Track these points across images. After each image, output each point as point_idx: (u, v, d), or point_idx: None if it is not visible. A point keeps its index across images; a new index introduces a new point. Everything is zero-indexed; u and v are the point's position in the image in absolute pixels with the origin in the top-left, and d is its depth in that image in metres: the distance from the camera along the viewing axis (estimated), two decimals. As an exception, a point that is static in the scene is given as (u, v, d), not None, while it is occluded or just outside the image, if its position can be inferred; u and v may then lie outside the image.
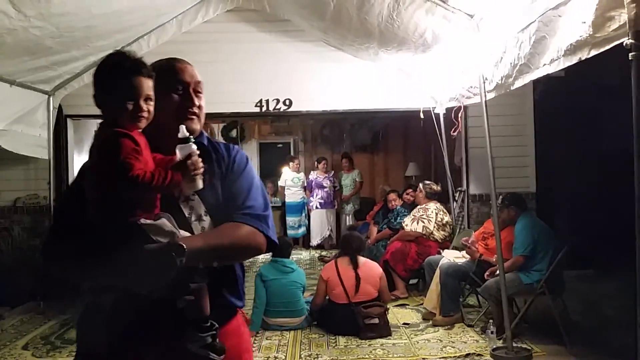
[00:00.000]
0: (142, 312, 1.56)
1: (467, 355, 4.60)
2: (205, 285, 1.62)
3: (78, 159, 8.10)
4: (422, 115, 6.82)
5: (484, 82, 4.39)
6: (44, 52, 5.61)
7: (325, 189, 10.06)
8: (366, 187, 10.76)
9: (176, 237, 1.56)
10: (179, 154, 1.60)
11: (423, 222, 6.57)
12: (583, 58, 2.82)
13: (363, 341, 5.01)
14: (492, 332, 4.91)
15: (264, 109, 7.10)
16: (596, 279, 6.43)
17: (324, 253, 9.68)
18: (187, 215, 1.69)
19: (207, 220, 1.70)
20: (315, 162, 10.44)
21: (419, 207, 6.79)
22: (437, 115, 6.78)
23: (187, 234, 1.63)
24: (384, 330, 5.15)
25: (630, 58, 2.39)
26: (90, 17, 5.39)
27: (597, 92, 6.36)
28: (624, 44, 2.41)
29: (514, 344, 4.54)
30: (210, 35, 7.03)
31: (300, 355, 4.76)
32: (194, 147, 1.61)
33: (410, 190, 7.66)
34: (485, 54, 4.24)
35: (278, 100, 7.09)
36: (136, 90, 1.59)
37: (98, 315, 1.62)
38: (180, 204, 1.69)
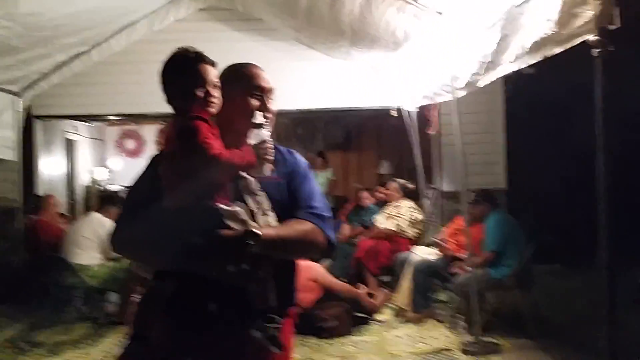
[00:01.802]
0: (210, 297, 1.63)
1: (438, 350, 4.63)
2: (271, 278, 1.67)
3: (46, 160, 7.96)
4: (394, 114, 6.86)
5: (455, 80, 4.42)
6: (11, 51, 5.51)
7: (299, 188, 10.01)
8: (340, 185, 10.76)
9: (250, 225, 1.61)
10: (252, 139, 1.72)
11: (396, 219, 6.60)
12: (547, 55, 2.86)
13: (335, 339, 4.99)
14: (462, 327, 4.97)
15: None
16: (565, 274, 6.53)
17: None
18: (252, 209, 1.71)
19: (271, 215, 1.74)
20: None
21: (391, 204, 6.82)
22: (409, 113, 6.82)
23: (256, 225, 1.66)
24: (346, 329, 5.11)
25: (594, 54, 2.42)
26: (57, 16, 5.32)
27: (567, 89, 6.47)
28: (588, 41, 2.45)
29: (484, 339, 4.59)
30: (183, 34, 6.95)
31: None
32: (268, 133, 1.74)
33: (382, 187, 7.69)
34: (454, 52, 4.27)
35: (251, 99, 7.05)
36: (204, 77, 1.69)
37: (162, 298, 1.69)
38: (246, 198, 1.72)
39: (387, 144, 10.94)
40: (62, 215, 7.24)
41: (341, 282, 5.51)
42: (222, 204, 1.61)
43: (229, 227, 1.58)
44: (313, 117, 10.69)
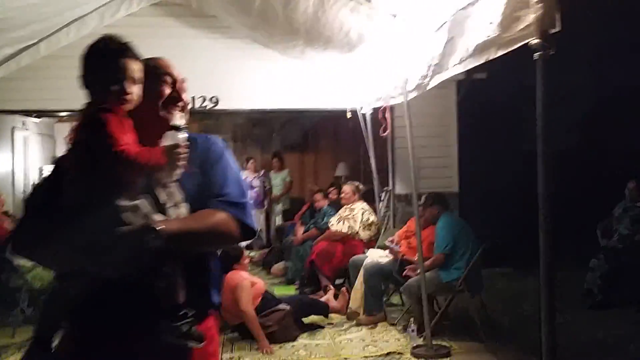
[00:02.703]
0: (113, 298, 1.54)
1: (388, 353, 4.62)
2: (180, 272, 1.59)
3: (-9, 156, 7.70)
4: (349, 115, 6.84)
5: (406, 82, 4.42)
6: (-43, 44, 5.29)
7: (255, 189, 9.94)
8: (296, 187, 10.72)
9: (151, 220, 1.53)
10: (167, 140, 1.65)
11: (349, 221, 6.58)
12: (490, 58, 2.87)
13: (286, 342, 4.94)
14: (412, 331, 4.96)
15: (190, 106, 6.92)
16: (515, 277, 6.62)
17: (252, 254, 9.56)
18: (163, 201, 1.65)
19: (184, 207, 1.67)
20: (244, 162, 10.32)
21: (345, 207, 6.79)
22: (364, 115, 6.81)
23: (163, 218, 1.59)
24: (287, 335, 5.00)
25: (535, 57, 2.43)
26: (4, 9, 5.13)
27: (518, 93, 6.56)
28: (529, 44, 2.45)
29: (434, 342, 4.60)
30: (134, 29, 6.78)
31: (221, 358, 4.66)
32: (184, 136, 1.67)
33: (334, 188, 7.67)
34: (406, 54, 4.26)
35: (204, 98, 6.95)
36: (122, 72, 1.61)
37: (64, 300, 1.62)
38: (157, 190, 1.65)
39: (344, 146, 10.95)
40: (7, 214, 6.99)
41: (252, 310, 5.01)
42: (126, 198, 1.54)
43: (129, 224, 1.51)
44: (269, 117, 10.63)
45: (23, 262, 5.48)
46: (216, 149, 1.86)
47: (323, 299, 5.81)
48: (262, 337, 4.81)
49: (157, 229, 1.50)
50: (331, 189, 7.80)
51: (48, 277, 5.55)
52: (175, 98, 1.79)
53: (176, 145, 1.63)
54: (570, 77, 5.72)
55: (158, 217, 1.58)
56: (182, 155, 1.63)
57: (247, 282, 4.99)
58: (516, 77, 5.97)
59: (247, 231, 1.78)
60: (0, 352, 4.84)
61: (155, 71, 1.77)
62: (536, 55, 2.42)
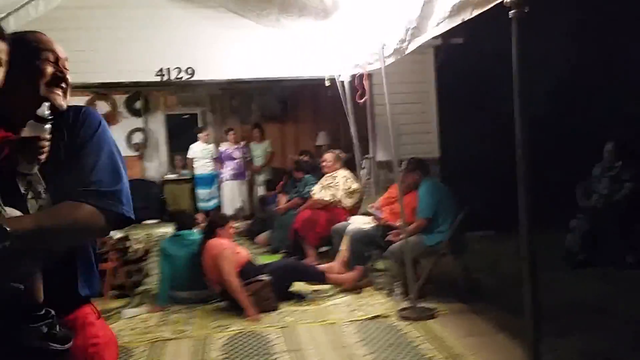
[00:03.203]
0: None
1: (375, 317, 4.68)
2: (38, 271, 1.46)
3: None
4: (327, 83, 6.80)
5: (383, 47, 4.39)
6: None
7: (236, 160, 9.90)
8: (277, 157, 10.69)
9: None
10: (27, 131, 1.49)
11: (331, 189, 6.59)
12: (466, 18, 2.85)
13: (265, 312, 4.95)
14: (398, 294, 5.03)
15: (165, 77, 6.84)
16: (497, 240, 6.70)
17: (236, 225, 9.56)
18: (23, 192, 1.50)
19: (46, 198, 1.51)
20: (224, 133, 10.26)
21: (327, 175, 6.80)
22: (342, 83, 6.77)
23: (17, 212, 1.44)
24: (263, 306, 4.93)
25: (510, 16, 2.42)
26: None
27: (495, 58, 6.53)
28: (504, 2, 2.44)
29: (419, 304, 4.67)
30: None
31: (209, 326, 4.69)
32: (47, 129, 1.50)
33: (304, 156, 7.84)
34: (383, 19, 4.23)
35: (180, 69, 6.85)
36: None
37: None
38: (17, 179, 1.49)
39: (324, 114, 10.90)
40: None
41: (235, 280, 4.98)
42: None
43: None
44: (248, 88, 10.53)
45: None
46: (89, 125, 1.64)
47: (324, 266, 5.72)
48: (248, 304, 4.83)
49: (5, 229, 1.33)
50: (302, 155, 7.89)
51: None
52: (59, 77, 1.63)
53: (36, 138, 1.48)
54: (547, 41, 5.72)
55: (11, 212, 1.43)
56: (42, 149, 1.48)
57: (229, 250, 4.99)
58: (494, 42, 5.95)
59: (123, 219, 1.60)
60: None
61: (35, 48, 1.61)
62: (511, 13, 2.41)
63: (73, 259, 1.62)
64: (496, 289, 5.20)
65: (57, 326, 1.48)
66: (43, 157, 1.49)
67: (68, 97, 1.67)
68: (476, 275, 5.34)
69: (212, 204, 10.26)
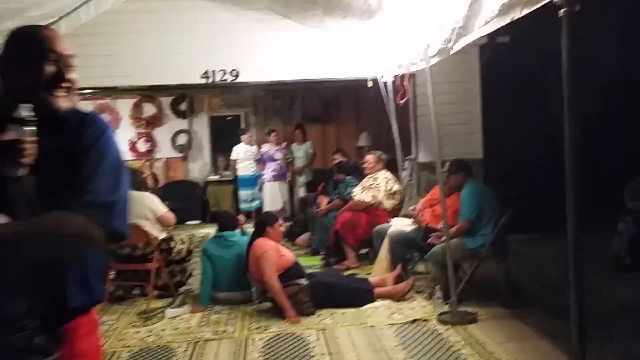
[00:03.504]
0: None
1: (414, 320, 4.63)
2: (18, 280, 1.41)
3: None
4: (370, 84, 6.77)
5: (427, 47, 4.34)
6: (-24, 24, 5.33)
7: (278, 162, 9.95)
8: (319, 158, 10.70)
9: None
10: (9, 134, 1.42)
11: (372, 191, 6.56)
12: (516, 17, 2.79)
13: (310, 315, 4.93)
14: (438, 298, 4.97)
15: (210, 80, 6.93)
16: (542, 243, 6.56)
17: (278, 225, 9.61)
18: (13, 197, 1.43)
19: (38, 204, 1.43)
20: (266, 135, 10.33)
21: (368, 176, 6.76)
22: (385, 84, 6.74)
23: (3, 219, 1.38)
24: (299, 310, 4.87)
25: (560, 14, 2.36)
26: (24, -12, 5.15)
27: (542, 56, 6.41)
28: (554, 1, 2.38)
29: (460, 308, 4.60)
30: (153, 4, 6.79)
31: (249, 327, 4.72)
32: (29, 131, 1.43)
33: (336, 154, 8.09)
34: (427, 19, 4.18)
35: (225, 71, 6.93)
36: None
37: None
38: (7, 183, 1.42)
39: (365, 116, 10.88)
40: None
41: (275, 283, 4.94)
42: None
43: None
44: (290, 89, 10.57)
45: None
46: (94, 132, 1.55)
47: (376, 279, 5.45)
48: (288, 306, 4.84)
49: None
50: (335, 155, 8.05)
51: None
52: (59, 77, 1.54)
53: (16, 141, 1.40)
54: (595, 38, 5.58)
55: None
56: (24, 153, 1.40)
57: (271, 252, 5.00)
58: (540, 41, 5.84)
59: (115, 234, 1.51)
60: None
61: (33, 45, 1.53)
62: (561, 12, 2.35)
63: (63, 269, 1.53)
64: (539, 293, 5.09)
65: (39, 337, 1.41)
66: (27, 160, 1.42)
67: (73, 97, 1.59)
68: (519, 279, 5.24)
69: (254, 205, 10.35)
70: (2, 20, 5.65)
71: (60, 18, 6.58)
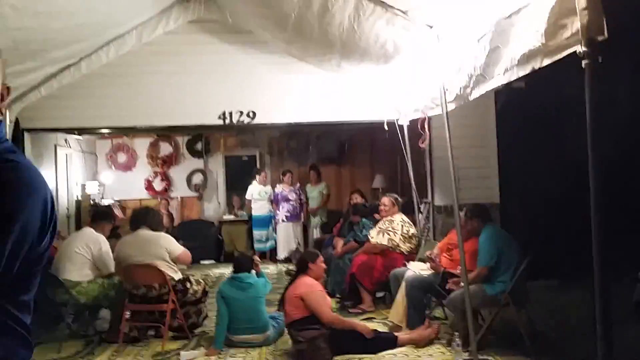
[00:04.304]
0: None
1: (433, 368, 4.55)
2: None
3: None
4: (386, 127, 6.81)
5: (445, 93, 4.37)
6: (-1, 65, 5.46)
7: (291, 202, 9.98)
8: (333, 199, 10.71)
9: None
10: None
11: (389, 234, 6.52)
12: (536, 67, 2.81)
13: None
14: (457, 345, 4.86)
15: (227, 121, 7.02)
16: (561, 289, 6.46)
17: (291, 267, 9.57)
18: None
19: None
20: (281, 175, 10.38)
21: (384, 219, 6.74)
22: (402, 127, 6.77)
23: None
24: (315, 356, 4.73)
25: (583, 66, 2.37)
26: (47, 30, 5.28)
27: (558, 102, 6.43)
28: (577, 52, 2.40)
29: (480, 356, 4.50)
30: (172, 46, 6.94)
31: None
32: None
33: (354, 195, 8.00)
34: (445, 65, 4.23)
35: (242, 113, 7.02)
36: None
37: None
38: None
39: (381, 158, 10.92)
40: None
41: (333, 315, 5.08)
42: None
43: None
44: (306, 130, 10.67)
45: (68, 277, 5.59)
46: (4, 182, 1.20)
47: (404, 337, 5.20)
48: (356, 324, 5.06)
49: None
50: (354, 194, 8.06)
51: (93, 292, 5.65)
52: None
53: None
54: (611, 84, 5.59)
55: None
56: None
57: (322, 291, 5.04)
58: (555, 87, 5.86)
59: None
60: (45, 366, 4.93)
61: None
62: (584, 63, 2.37)
63: None
64: (560, 341, 4.98)
65: None
66: None
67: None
68: (539, 327, 5.14)
69: (268, 245, 10.34)
70: (25, 61, 5.79)
71: (81, 59, 6.73)
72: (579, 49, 2.40)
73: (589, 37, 2.36)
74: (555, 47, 2.59)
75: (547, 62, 2.71)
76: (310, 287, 4.99)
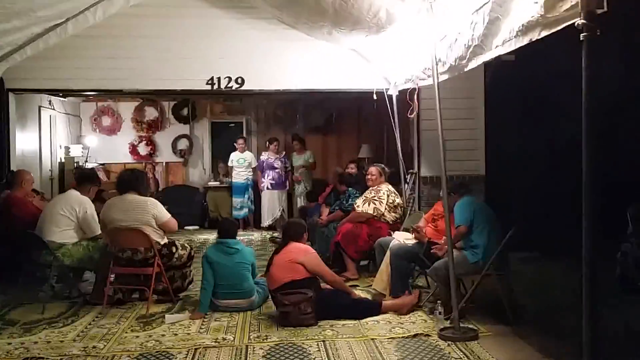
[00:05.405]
0: None
1: (415, 335, 4.62)
2: None
3: (20, 135, 7.79)
4: (375, 97, 6.80)
5: (437, 64, 4.36)
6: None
7: (277, 170, 9.99)
8: (319, 168, 10.73)
9: None
10: None
11: (374, 203, 6.56)
12: (534, 39, 2.81)
13: (300, 327, 4.87)
14: (439, 313, 4.95)
15: (215, 87, 6.96)
16: (542, 261, 6.57)
17: (275, 234, 9.62)
18: None
19: None
20: (267, 143, 10.36)
21: (370, 188, 6.78)
22: (390, 97, 6.76)
23: None
24: (300, 319, 4.84)
25: (581, 39, 2.38)
26: (33, -11, 5.16)
27: (547, 76, 6.45)
28: (576, 25, 2.40)
29: (461, 324, 4.58)
30: (160, 9, 6.83)
31: (249, 336, 4.70)
32: None
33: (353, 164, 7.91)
34: (438, 35, 4.21)
35: (230, 79, 6.96)
36: None
37: None
38: None
39: (367, 128, 10.93)
40: (35, 191, 7.08)
41: (335, 275, 5.36)
42: None
43: None
44: (294, 99, 10.62)
45: (52, 239, 5.57)
46: None
47: (388, 303, 5.32)
48: (350, 289, 5.37)
49: None
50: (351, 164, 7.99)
51: (77, 254, 5.65)
52: None
53: None
54: (602, 60, 5.62)
55: None
56: None
57: (316, 253, 5.24)
58: (545, 60, 5.87)
59: None
60: (30, 327, 4.92)
61: None
62: (582, 36, 2.37)
63: None
64: (541, 312, 5.09)
65: None
66: None
67: None
68: (520, 297, 5.24)
69: (242, 212, 10.39)
70: (11, 19, 5.67)
71: (68, 19, 6.60)
72: (578, 21, 2.40)
73: (589, 10, 2.36)
74: (554, 20, 2.59)
75: (544, 33, 2.71)
76: (309, 251, 5.13)
